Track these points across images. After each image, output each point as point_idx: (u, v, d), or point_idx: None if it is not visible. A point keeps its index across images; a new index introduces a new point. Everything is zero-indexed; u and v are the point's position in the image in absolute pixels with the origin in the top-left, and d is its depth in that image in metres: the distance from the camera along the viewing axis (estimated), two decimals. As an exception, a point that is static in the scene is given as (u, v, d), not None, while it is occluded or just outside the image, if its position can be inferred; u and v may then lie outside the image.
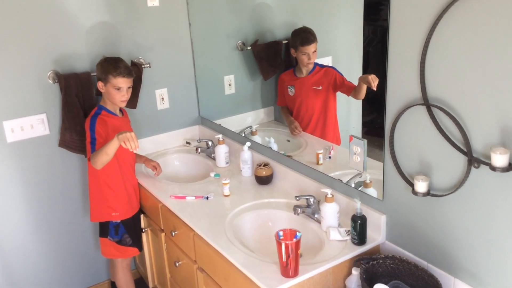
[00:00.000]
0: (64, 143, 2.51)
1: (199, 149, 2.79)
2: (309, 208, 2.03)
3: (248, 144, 2.46)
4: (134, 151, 2.10)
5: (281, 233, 1.65)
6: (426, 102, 1.53)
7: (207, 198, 2.28)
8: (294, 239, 1.61)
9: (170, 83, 2.89)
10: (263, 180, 2.37)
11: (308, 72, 2.25)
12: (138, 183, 2.55)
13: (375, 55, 1.90)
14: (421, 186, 1.58)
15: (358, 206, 1.81)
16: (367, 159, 1.87)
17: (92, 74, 2.50)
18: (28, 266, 2.65)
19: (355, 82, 1.96)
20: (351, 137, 1.90)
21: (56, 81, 2.46)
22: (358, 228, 1.79)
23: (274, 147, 2.46)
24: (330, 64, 2.18)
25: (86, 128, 2.32)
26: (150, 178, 2.56)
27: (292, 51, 2.25)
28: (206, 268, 2.05)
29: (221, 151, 2.63)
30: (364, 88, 1.91)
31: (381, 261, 1.71)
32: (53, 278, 2.75)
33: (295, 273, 1.66)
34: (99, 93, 2.38)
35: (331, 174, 2.08)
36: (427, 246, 1.68)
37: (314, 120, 2.29)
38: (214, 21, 2.80)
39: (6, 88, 2.37)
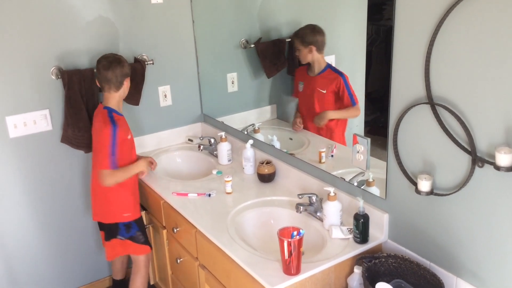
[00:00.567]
0: (66, 139, 2.51)
1: (202, 147, 2.79)
2: (312, 206, 2.03)
3: (250, 141, 2.46)
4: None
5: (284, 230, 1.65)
6: (431, 101, 1.53)
7: (209, 195, 2.28)
8: (297, 237, 1.61)
9: (173, 80, 2.89)
10: (266, 178, 2.37)
11: (318, 72, 2.22)
12: (140, 180, 2.55)
13: (378, 54, 1.90)
14: (424, 185, 1.58)
15: (360, 204, 1.80)
16: (370, 158, 1.87)
17: (95, 70, 2.50)
18: (29, 262, 2.65)
19: (359, 90, 1.98)
20: (355, 135, 1.90)
21: (59, 77, 2.46)
22: (361, 226, 1.79)
23: (277, 145, 2.46)
24: (333, 64, 2.17)
25: (105, 136, 2.21)
26: (152, 175, 2.56)
27: None
28: (208, 265, 2.05)
29: (224, 148, 2.63)
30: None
31: (383, 259, 1.71)
32: (54, 274, 2.76)
33: (297, 271, 1.65)
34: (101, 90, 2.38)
35: (334, 173, 2.08)
36: (429, 245, 1.68)
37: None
38: (218, 18, 2.80)
39: (9, 83, 2.37)
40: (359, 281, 1.72)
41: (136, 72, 2.62)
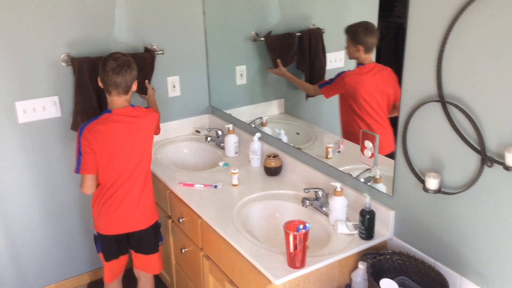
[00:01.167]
0: (76, 126, 2.51)
1: (209, 138, 2.80)
2: (318, 201, 2.03)
3: (258, 134, 2.46)
4: None
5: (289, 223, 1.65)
6: (442, 99, 1.53)
7: (216, 186, 2.28)
8: (303, 230, 1.61)
9: (182, 71, 2.89)
10: (272, 172, 2.37)
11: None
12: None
13: (387, 51, 1.89)
14: (432, 183, 1.58)
15: (367, 200, 1.81)
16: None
17: (100, 68, 2.50)
18: (34, 248, 2.68)
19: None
20: (363, 132, 1.90)
21: (70, 64, 2.46)
22: (366, 222, 1.80)
23: (284, 139, 2.46)
24: (343, 60, 2.15)
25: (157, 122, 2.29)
26: (158, 164, 2.57)
27: None
28: (212, 255, 2.07)
29: (231, 140, 2.63)
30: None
31: (388, 256, 1.72)
32: (59, 259, 2.78)
33: (302, 264, 1.66)
34: None
35: (341, 168, 2.08)
36: (435, 244, 1.68)
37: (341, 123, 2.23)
38: (229, 10, 2.79)
39: (19, 68, 2.38)
40: (363, 276, 1.73)
41: (146, 62, 2.62)
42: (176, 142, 2.91)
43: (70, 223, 2.75)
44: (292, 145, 2.38)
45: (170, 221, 2.45)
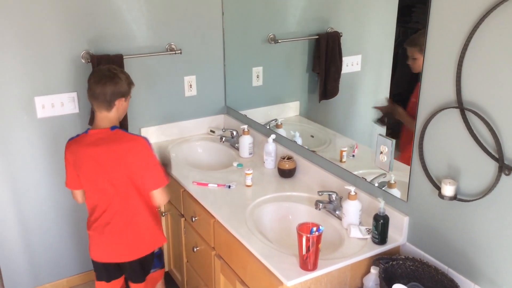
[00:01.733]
0: (92, 122, 2.54)
1: (223, 138, 2.81)
2: (331, 204, 2.03)
3: (273, 136, 2.47)
4: None
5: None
6: (461, 106, 1.52)
7: (229, 187, 2.29)
8: (316, 233, 1.61)
9: (199, 71, 2.91)
10: (286, 173, 2.37)
11: None
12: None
13: (404, 57, 1.89)
14: (448, 189, 1.57)
15: (381, 205, 1.80)
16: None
17: (124, 56, 2.53)
18: (49, 243, 2.72)
19: (385, 91, 1.92)
20: (379, 136, 1.89)
21: (89, 61, 2.50)
22: (380, 227, 1.79)
23: (299, 141, 2.46)
24: (359, 64, 2.13)
25: (153, 153, 2.03)
26: (173, 163, 2.57)
27: None
28: (224, 255, 2.07)
29: (245, 141, 2.64)
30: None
31: (401, 262, 1.71)
32: (71, 254, 2.82)
33: (314, 267, 1.66)
34: None
35: (355, 172, 2.08)
36: (449, 251, 1.67)
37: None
38: (247, 12, 2.80)
39: (40, 64, 2.42)
40: (375, 281, 1.72)
41: None
42: (191, 141, 2.92)
43: (83, 218, 2.76)
44: (307, 147, 2.38)
45: (183, 219, 2.46)
